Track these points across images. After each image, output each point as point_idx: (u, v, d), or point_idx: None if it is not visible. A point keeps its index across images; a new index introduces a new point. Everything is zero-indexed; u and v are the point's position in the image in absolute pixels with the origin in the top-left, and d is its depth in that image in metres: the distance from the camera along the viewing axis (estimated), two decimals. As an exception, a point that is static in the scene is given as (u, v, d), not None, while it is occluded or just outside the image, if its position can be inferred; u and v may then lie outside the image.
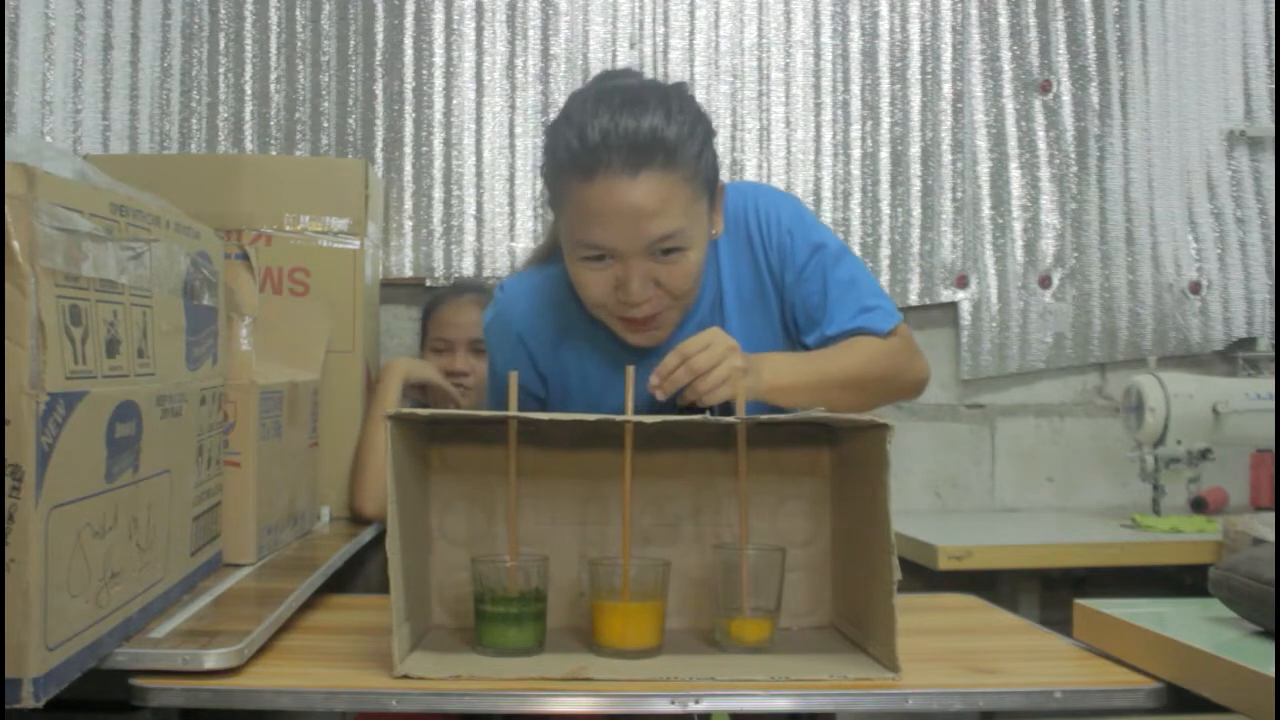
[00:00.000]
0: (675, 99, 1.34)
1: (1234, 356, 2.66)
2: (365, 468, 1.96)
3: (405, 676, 1.07)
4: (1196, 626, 1.13)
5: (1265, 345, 2.63)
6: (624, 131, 1.29)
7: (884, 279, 2.56)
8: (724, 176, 1.47)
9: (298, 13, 2.46)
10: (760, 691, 1.07)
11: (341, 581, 1.81)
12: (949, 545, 2.05)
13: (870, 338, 1.45)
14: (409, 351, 2.34)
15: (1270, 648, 1.02)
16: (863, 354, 1.44)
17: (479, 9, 2.50)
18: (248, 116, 2.45)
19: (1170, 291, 2.64)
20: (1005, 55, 2.61)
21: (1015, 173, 2.61)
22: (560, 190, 1.35)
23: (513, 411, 1.22)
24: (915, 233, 2.58)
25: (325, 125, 2.46)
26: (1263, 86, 2.66)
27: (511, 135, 2.50)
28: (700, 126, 1.35)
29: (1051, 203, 2.62)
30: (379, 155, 2.47)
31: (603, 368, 1.49)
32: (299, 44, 2.46)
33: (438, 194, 2.48)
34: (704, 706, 1.05)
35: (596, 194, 1.29)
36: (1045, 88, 2.62)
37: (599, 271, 1.34)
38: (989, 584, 2.12)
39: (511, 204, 2.50)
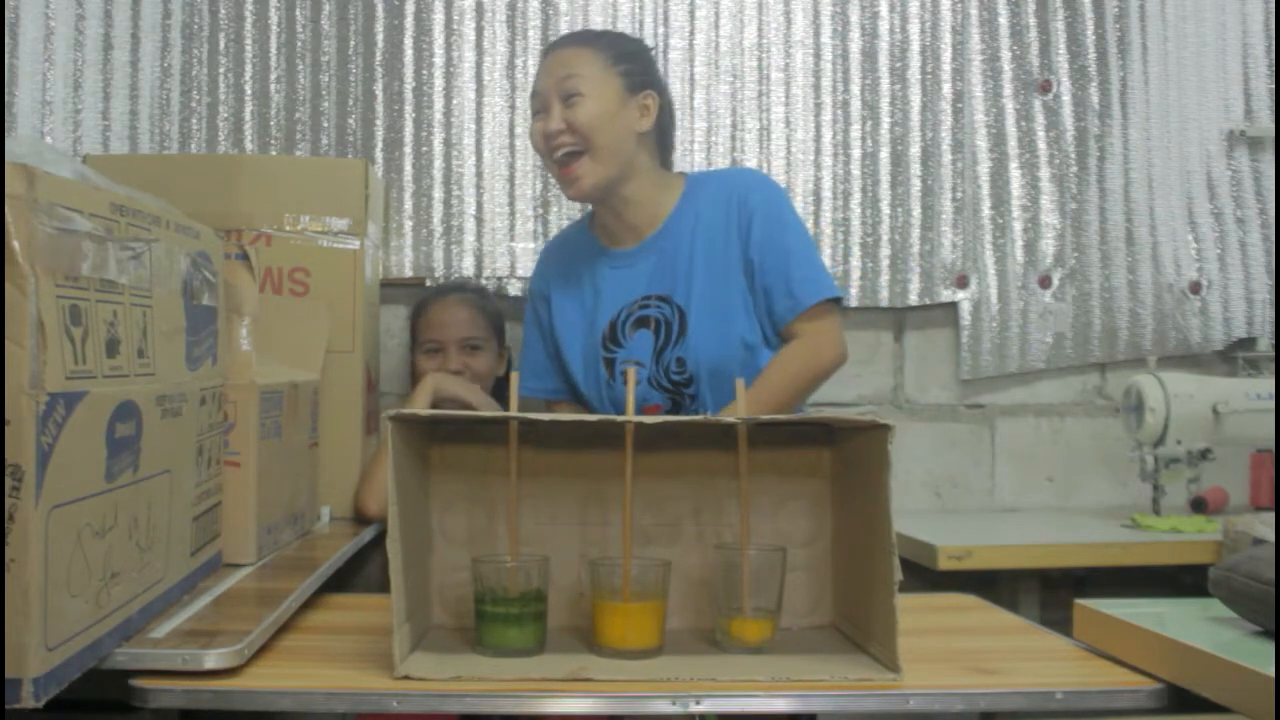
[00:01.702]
0: (619, 35, 2.11)
1: (1234, 356, 2.66)
2: (375, 469, 1.97)
3: (406, 677, 1.07)
4: (1196, 626, 1.13)
5: (1265, 345, 2.63)
6: (568, 34, 2.11)
7: (884, 279, 2.56)
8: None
9: (298, 13, 2.46)
10: (761, 692, 1.07)
11: (341, 581, 1.82)
12: (949, 545, 2.05)
13: (788, 357, 1.86)
14: (409, 351, 2.33)
15: (1270, 648, 1.02)
16: (788, 374, 1.85)
17: (479, 9, 2.50)
18: (248, 116, 2.44)
19: (1170, 291, 2.64)
20: (1005, 55, 2.61)
21: (1015, 173, 2.61)
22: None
23: (513, 412, 1.22)
24: (915, 233, 2.58)
25: (325, 125, 2.46)
26: (1263, 86, 2.65)
27: (511, 135, 2.49)
28: (632, 46, 1.95)
29: (1051, 203, 2.61)
30: (379, 155, 2.47)
31: (587, 277, 1.99)
32: (299, 44, 2.46)
33: (438, 194, 2.48)
34: (705, 707, 1.05)
35: (541, 64, 1.92)
36: (1045, 88, 2.61)
37: (538, 121, 1.87)
38: (989, 584, 2.12)
39: (511, 204, 2.49)
